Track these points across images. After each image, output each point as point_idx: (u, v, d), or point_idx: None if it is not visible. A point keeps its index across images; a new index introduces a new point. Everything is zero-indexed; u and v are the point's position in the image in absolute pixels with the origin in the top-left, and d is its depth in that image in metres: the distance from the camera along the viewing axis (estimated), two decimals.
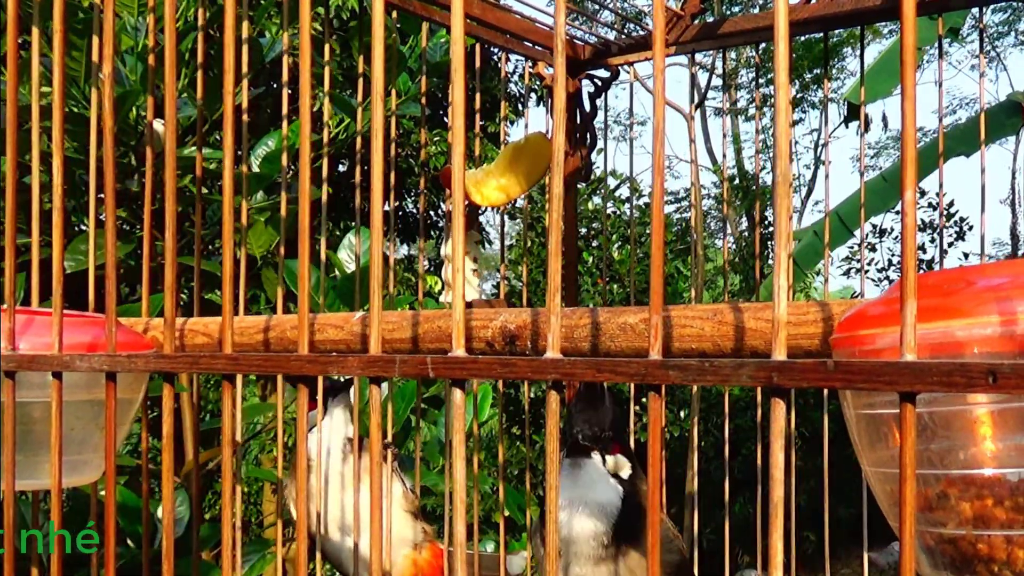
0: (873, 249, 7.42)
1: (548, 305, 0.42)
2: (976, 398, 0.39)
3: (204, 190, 1.74)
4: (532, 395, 1.91)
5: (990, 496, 0.39)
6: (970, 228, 7.29)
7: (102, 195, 1.10)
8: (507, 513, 1.60)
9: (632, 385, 1.50)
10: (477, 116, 1.37)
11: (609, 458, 0.88)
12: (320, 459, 1.09)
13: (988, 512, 0.38)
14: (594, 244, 5.66)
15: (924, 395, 0.35)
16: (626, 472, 0.89)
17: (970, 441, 0.39)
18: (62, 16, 0.65)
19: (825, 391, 1.34)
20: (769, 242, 7.71)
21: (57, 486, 0.61)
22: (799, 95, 9.62)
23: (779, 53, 0.38)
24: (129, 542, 1.48)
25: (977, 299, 0.39)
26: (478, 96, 1.37)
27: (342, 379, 1.20)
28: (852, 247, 6.96)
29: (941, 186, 1.11)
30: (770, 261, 7.47)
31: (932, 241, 6.83)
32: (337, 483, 1.15)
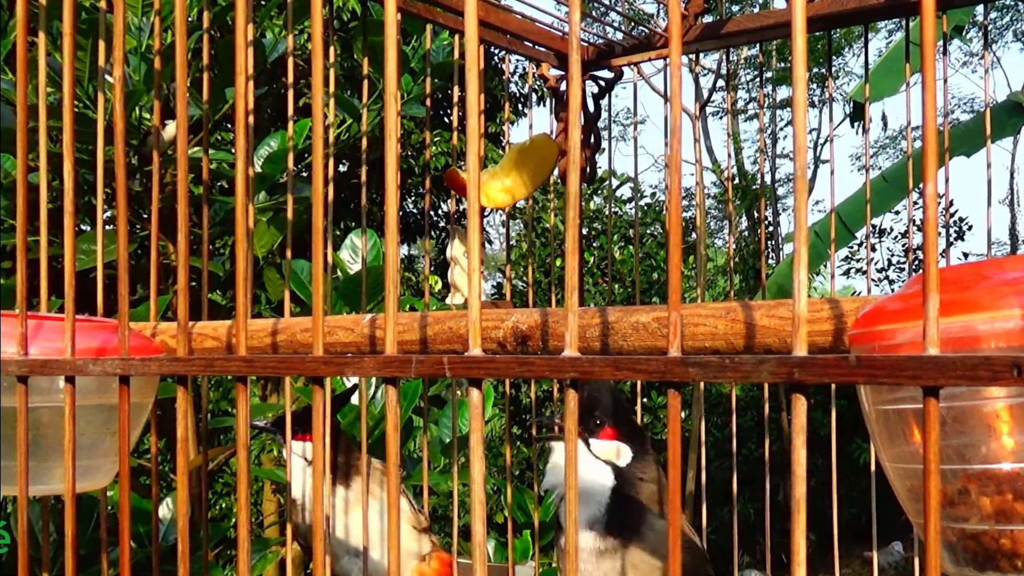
0: (873, 249, 7.44)
1: (565, 303, 0.42)
2: (995, 392, 0.39)
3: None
4: (535, 395, 1.92)
5: (1010, 491, 0.39)
6: (969, 228, 7.31)
7: (103, 195, 1.10)
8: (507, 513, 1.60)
9: (639, 383, 1.50)
10: (481, 117, 1.37)
11: (598, 443, 0.86)
12: (307, 498, 1.12)
13: (1009, 507, 0.38)
14: (595, 244, 5.67)
15: (943, 390, 0.35)
16: (623, 460, 0.86)
17: (989, 436, 0.39)
18: (71, 19, 0.65)
19: (833, 388, 1.34)
20: (770, 242, 7.71)
21: (71, 491, 0.61)
22: None
23: (796, 47, 0.38)
24: (132, 542, 1.48)
25: (996, 293, 0.39)
26: (481, 97, 1.38)
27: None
28: (852, 247, 6.97)
29: (947, 182, 1.11)
30: (771, 261, 7.48)
31: None
32: (334, 510, 1.15)
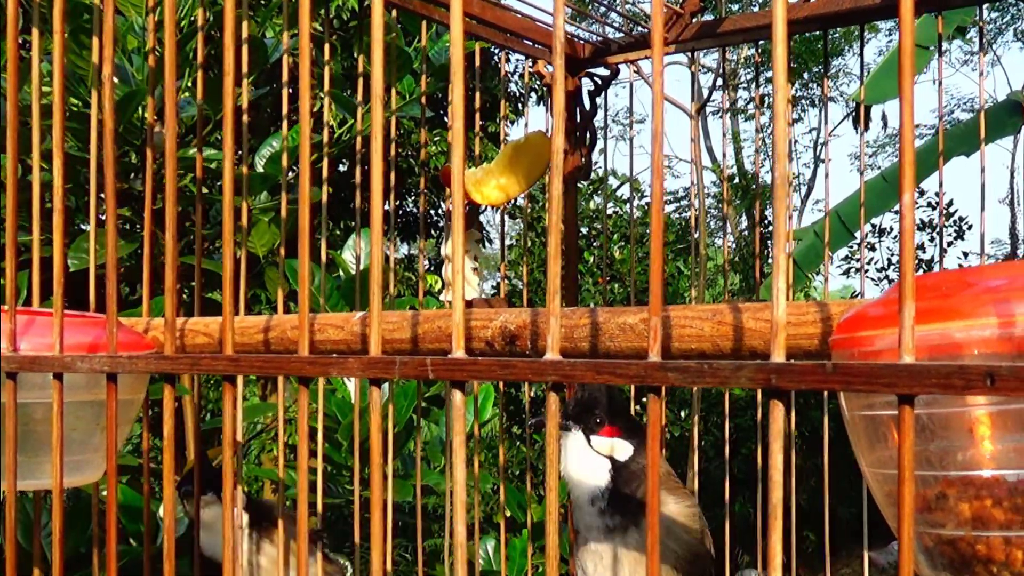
0: (873, 249, 7.44)
1: (548, 306, 0.42)
2: (974, 399, 0.39)
3: (205, 190, 1.74)
4: (532, 395, 1.92)
5: (989, 497, 0.39)
6: (969, 227, 7.31)
7: (103, 194, 1.10)
8: (508, 513, 1.60)
9: (633, 386, 1.50)
10: (477, 116, 1.37)
11: (598, 439, 0.91)
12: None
13: (987, 513, 0.38)
14: (595, 244, 5.67)
15: (923, 396, 0.35)
16: (623, 455, 0.91)
17: (969, 442, 0.39)
18: (62, 16, 0.65)
19: (826, 391, 1.33)
20: (769, 241, 7.72)
21: (59, 486, 0.61)
22: (798, 93, 9.62)
23: (777, 55, 0.38)
24: (131, 541, 1.49)
25: (975, 301, 0.39)
26: (478, 96, 1.38)
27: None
28: (851, 247, 6.97)
29: (941, 185, 1.11)
30: (770, 260, 7.48)
31: (931, 241, 6.84)
32: (266, 561, 1.15)
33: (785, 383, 0.35)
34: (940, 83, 1.11)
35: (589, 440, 0.91)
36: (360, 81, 1.19)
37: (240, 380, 0.95)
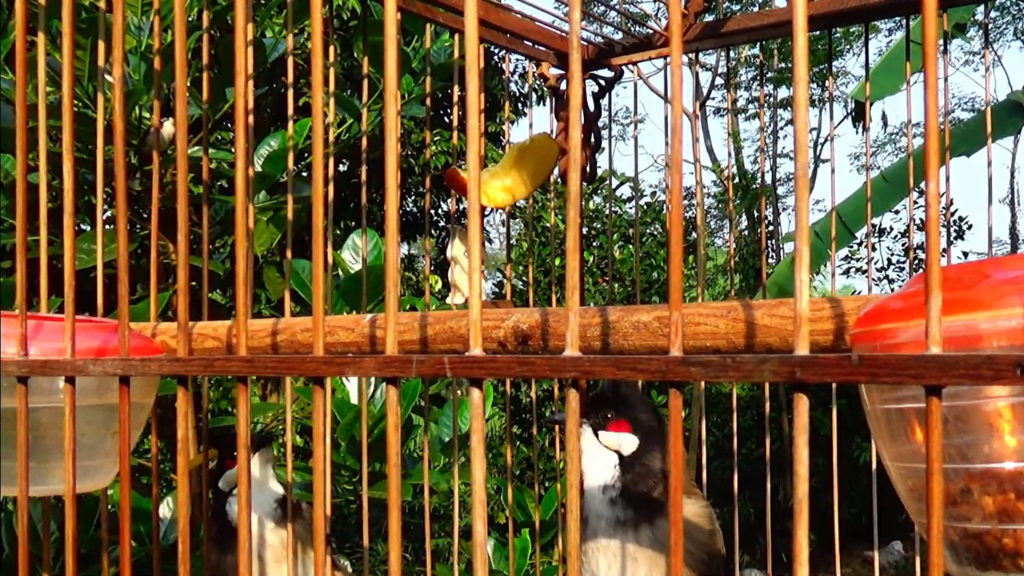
0: (873, 248, 7.45)
1: (567, 303, 0.42)
2: (997, 391, 0.39)
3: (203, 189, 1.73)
4: (535, 394, 1.93)
5: (1013, 490, 0.39)
6: (969, 227, 7.32)
7: (103, 194, 1.09)
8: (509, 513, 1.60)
9: (639, 382, 1.50)
10: (481, 116, 1.37)
11: (606, 434, 0.94)
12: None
13: (1011, 506, 0.38)
14: (595, 244, 5.67)
15: (945, 389, 0.35)
16: (627, 449, 0.93)
17: (991, 435, 0.39)
18: (71, 19, 0.65)
19: (834, 387, 1.33)
20: (771, 241, 7.72)
21: (71, 492, 0.61)
22: None
23: (797, 45, 0.38)
24: (132, 541, 1.49)
25: (998, 291, 0.39)
26: (481, 96, 1.37)
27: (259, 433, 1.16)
28: (851, 247, 6.98)
29: (947, 180, 1.11)
30: (771, 260, 7.48)
31: None
32: (271, 556, 1.10)
33: (810, 376, 0.35)
34: (946, 79, 1.11)
35: (597, 435, 0.94)
36: (364, 82, 1.19)
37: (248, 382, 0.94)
